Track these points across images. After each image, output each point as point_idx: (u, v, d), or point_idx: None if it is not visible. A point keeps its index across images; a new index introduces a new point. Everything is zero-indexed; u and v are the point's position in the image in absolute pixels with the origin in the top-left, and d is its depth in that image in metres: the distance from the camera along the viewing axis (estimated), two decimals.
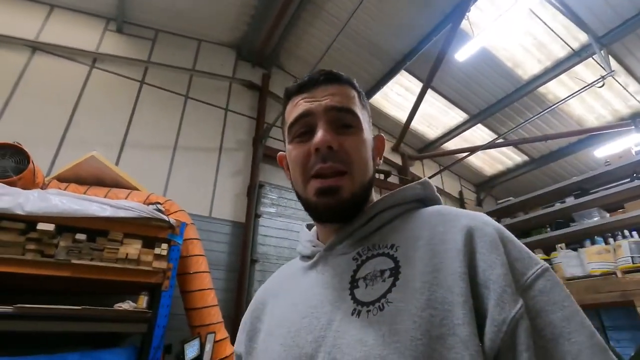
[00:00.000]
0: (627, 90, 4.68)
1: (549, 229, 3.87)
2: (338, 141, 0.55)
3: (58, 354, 1.82)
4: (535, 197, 4.15)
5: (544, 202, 4.17)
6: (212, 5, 4.05)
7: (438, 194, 0.63)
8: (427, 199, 0.62)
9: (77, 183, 2.47)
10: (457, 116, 5.65)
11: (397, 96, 5.42)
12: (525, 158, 6.32)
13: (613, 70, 3.81)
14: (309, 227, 0.71)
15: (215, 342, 2.43)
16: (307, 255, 0.64)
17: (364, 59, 4.80)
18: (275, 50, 4.68)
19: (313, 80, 0.60)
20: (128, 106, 3.67)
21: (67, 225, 1.95)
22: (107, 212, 2.05)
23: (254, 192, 3.89)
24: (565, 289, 0.44)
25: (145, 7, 3.91)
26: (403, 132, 5.49)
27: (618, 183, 3.39)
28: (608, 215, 3.39)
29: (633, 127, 4.56)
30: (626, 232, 3.03)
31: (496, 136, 5.55)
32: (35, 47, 3.33)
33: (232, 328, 3.02)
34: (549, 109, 4.67)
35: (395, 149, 5.90)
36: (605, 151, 5.22)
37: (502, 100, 5.10)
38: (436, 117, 5.73)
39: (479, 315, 0.41)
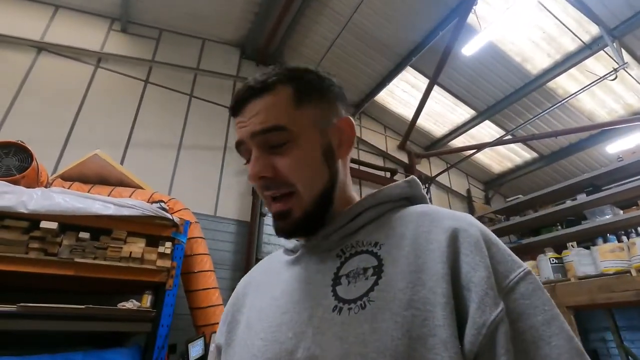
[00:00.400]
0: None
1: (559, 227, 3.79)
2: (272, 166, 0.53)
3: (61, 353, 1.81)
4: (545, 195, 4.07)
5: (555, 200, 4.09)
6: (216, 4, 4.04)
7: (424, 193, 0.62)
8: (413, 198, 0.61)
9: (81, 182, 2.47)
10: (465, 113, 5.55)
11: (402, 93, 5.35)
12: (535, 155, 6.19)
13: (626, 63, 3.70)
14: None
15: None
16: (290, 249, 0.62)
17: (368, 55, 4.74)
18: (279, 49, 4.66)
19: (240, 100, 0.55)
20: (133, 105, 3.68)
21: (70, 223, 1.95)
22: (111, 210, 2.04)
23: None
24: (546, 293, 0.44)
25: (150, 6, 3.92)
26: (409, 129, 5.42)
27: (631, 179, 3.30)
28: (621, 212, 3.32)
29: None
30: None
31: (504, 133, 5.44)
32: (41, 47, 3.36)
33: None
34: (559, 104, 4.56)
35: (401, 147, 5.85)
36: (617, 147, 5.09)
37: (510, 96, 4.98)
38: (443, 114, 5.64)
39: (460, 317, 0.42)
